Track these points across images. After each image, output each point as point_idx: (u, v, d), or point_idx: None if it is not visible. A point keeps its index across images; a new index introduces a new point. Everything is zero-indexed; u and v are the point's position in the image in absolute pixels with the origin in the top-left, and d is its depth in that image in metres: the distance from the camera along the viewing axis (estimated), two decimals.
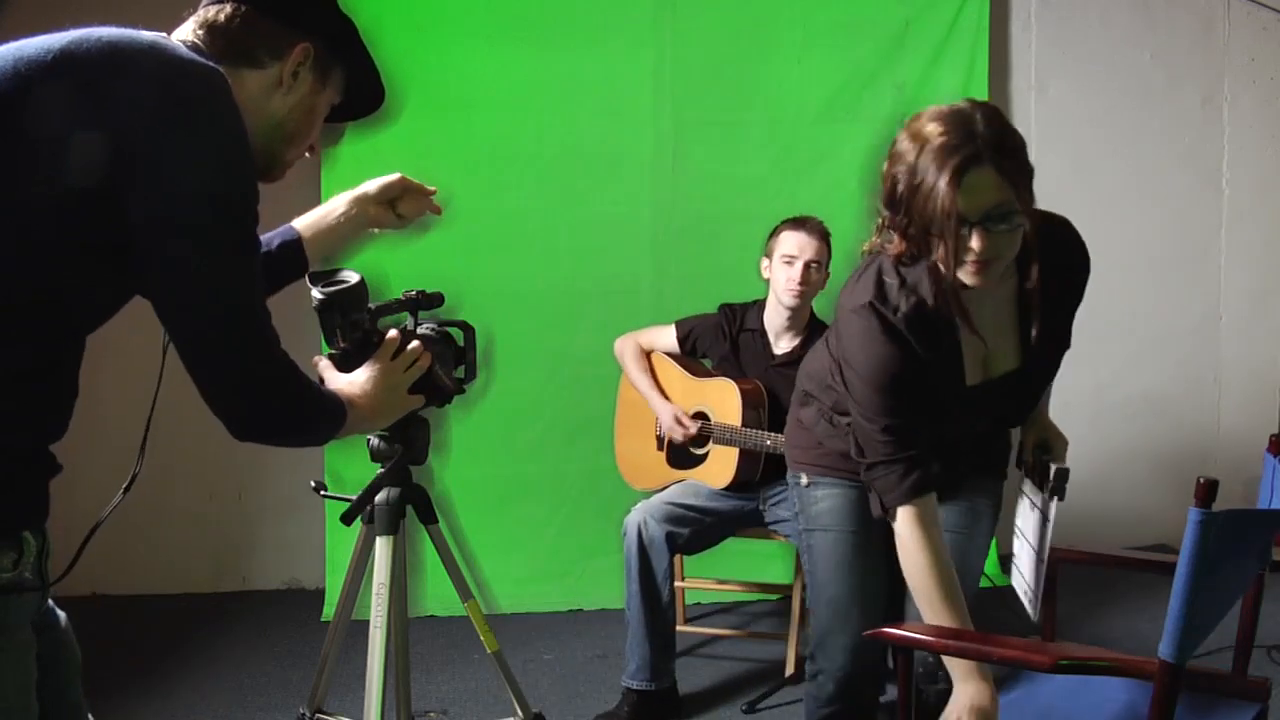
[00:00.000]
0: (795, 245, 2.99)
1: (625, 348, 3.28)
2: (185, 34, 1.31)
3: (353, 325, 1.56)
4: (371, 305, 1.61)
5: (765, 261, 3.08)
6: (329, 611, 3.62)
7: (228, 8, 1.32)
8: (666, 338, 3.24)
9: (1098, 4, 4.28)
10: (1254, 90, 4.34)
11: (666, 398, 3.17)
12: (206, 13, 1.32)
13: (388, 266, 3.64)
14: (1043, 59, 4.26)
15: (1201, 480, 1.34)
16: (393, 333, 1.58)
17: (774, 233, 3.06)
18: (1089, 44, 4.28)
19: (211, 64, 1.23)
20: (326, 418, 1.37)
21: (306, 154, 1.46)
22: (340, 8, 1.43)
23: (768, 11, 3.99)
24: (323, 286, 1.57)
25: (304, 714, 2.01)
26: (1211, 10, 4.32)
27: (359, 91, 1.48)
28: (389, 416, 1.56)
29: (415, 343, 1.60)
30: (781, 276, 2.99)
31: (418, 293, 1.79)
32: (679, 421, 3.09)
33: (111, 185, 1.13)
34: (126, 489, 1.32)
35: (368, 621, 1.80)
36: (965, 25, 4.07)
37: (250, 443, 1.28)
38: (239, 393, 1.24)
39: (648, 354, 3.27)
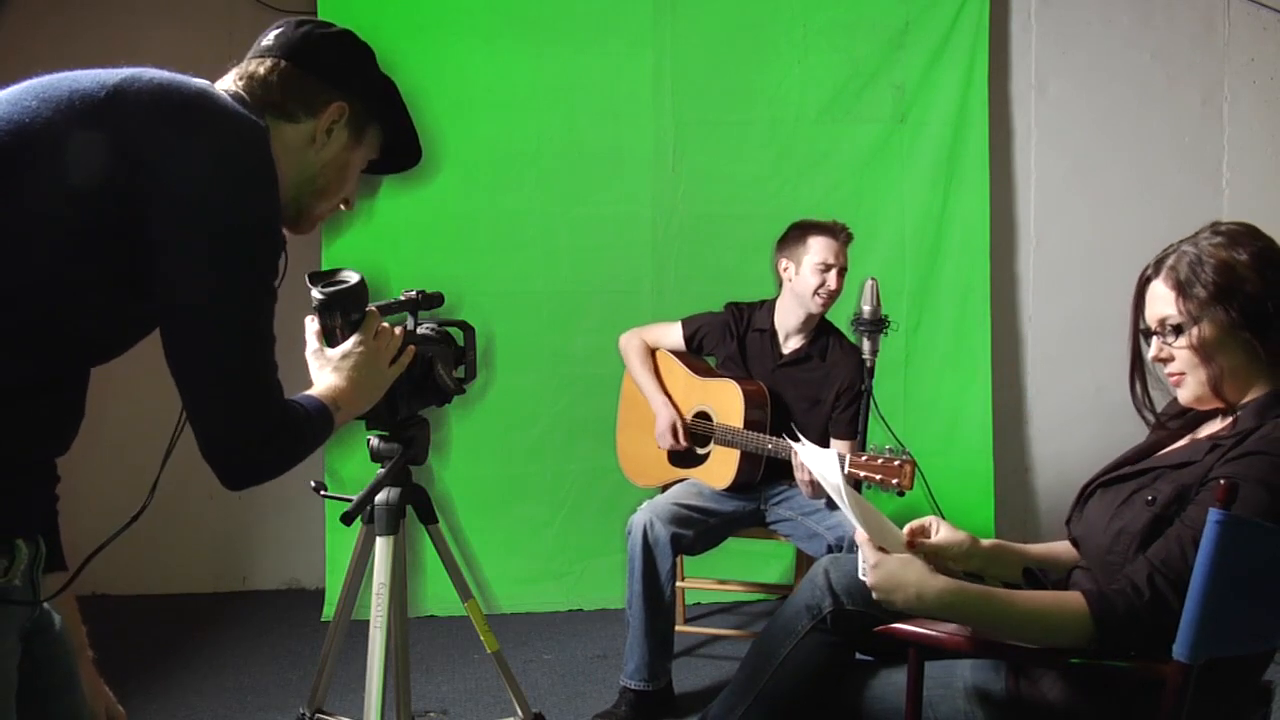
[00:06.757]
0: (831, 253, 2.97)
1: (630, 344, 3.27)
2: (228, 83, 1.35)
3: (353, 325, 1.56)
4: (372, 305, 1.61)
5: (785, 263, 3.05)
6: (329, 611, 3.62)
7: (268, 62, 1.35)
8: (672, 335, 3.24)
9: (1098, 4, 4.28)
10: (1254, 90, 4.34)
11: (670, 398, 3.17)
12: (249, 65, 1.36)
13: (388, 266, 3.67)
14: (1043, 59, 4.26)
15: (1223, 482, 1.33)
16: (372, 308, 1.58)
17: (799, 237, 3.03)
18: (1089, 44, 4.28)
19: (253, 117, 1.26)
20: (315, 440, 1.36)
21: (341, 207, 1.48)
22: (379, 68, 1.45)
23: (768, 11, 3.99)
24: (323, 287, 1.56)
25: (304, 714, 2.00)
26: (1211, 10, 4.32)
27: (397, 147, 1.50)
28: (372, 396, 1.56)
29: (398, 329, 1.62)
30: (814, 283, 2.97)
31: (418, 293, 1.78)
32: (673, 430, 3.09)
33: (140, 216, 1.15)
34: (135, 518, 1.32)
35: (368, 621, 1.80)
36: (965, 25, 4.06)
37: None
38: (231, 445, 1.23)
39: (652, 351, 3.26)
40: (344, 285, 1.56)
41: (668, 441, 3.09)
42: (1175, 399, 1.68)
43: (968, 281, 4.11)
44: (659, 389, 3.18)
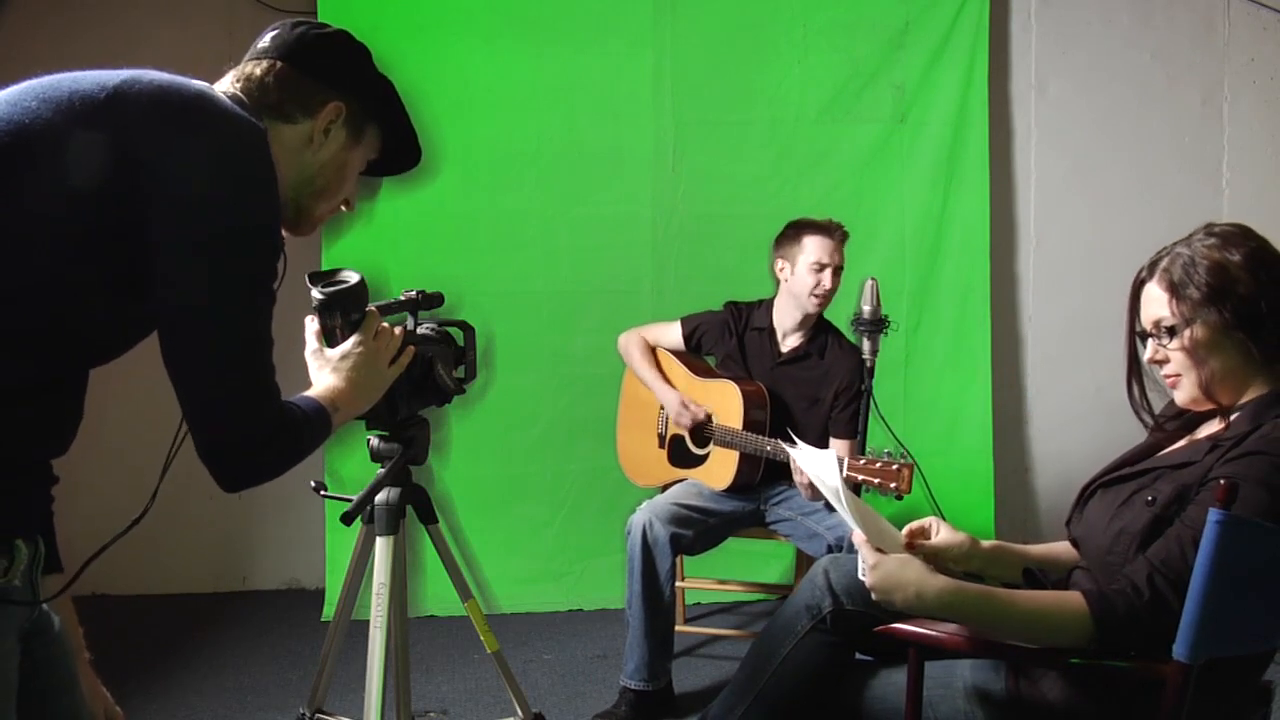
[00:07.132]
0: (826, 252, 2.97)
1: (630, 342, 3.27)
2: (225, 85, 1.35)
3: (352, 325, 1.56)
4: (372, 305, 1.61)
5: (781, 263, 3.05)
6: (329, 611, 3.62)
7: (264, 64, 1.35)
8: (671, 334, 3.24)
9: (1098, 4, 4.28)
10: (1254, 90, 4.34)
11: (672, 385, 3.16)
12: (245, 67, 1.36)
13: (388, 266, 3.67)
14: (1043, 59, 4.26)
15: (1223, 482, 1.33)
16: (372, 308, 1.58)
17: (795, 236, 3.03)
18: (1089, 44, 4.28)
19: (252, 119, 1.26)
20: (314, 442, 1.35)
21: (342, 208, 1.47)
22: (376, 67, 1.45)
23: (768, 11, 3.99)
24: (323, 287, 1.56)
25: (304, 714, 2.00)
26: (1211, 10, 4.32)
27: (396, 148, 1.50)
28: (371, 397, 1.55)
29: (398, 329, 1.61)
30: (809, 282, 2.97)
31: (418, 293, 1.78)
32: (685, 405, 3.07)
33: (140, 217, 1.15)
34: (135, 522, 1.31)
35: (368, 621, 1.80)
36: (965, 25, 4.06)
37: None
38: (229, 447, 1.22)
39: (652, 349, 3.27)
40: (344, 285, 1.56)
41: (687, 419, 3.07)
42: (1173, 400, 1.68)
43: (968, 281, 4.11)
44: (660, 377, 3.18)
